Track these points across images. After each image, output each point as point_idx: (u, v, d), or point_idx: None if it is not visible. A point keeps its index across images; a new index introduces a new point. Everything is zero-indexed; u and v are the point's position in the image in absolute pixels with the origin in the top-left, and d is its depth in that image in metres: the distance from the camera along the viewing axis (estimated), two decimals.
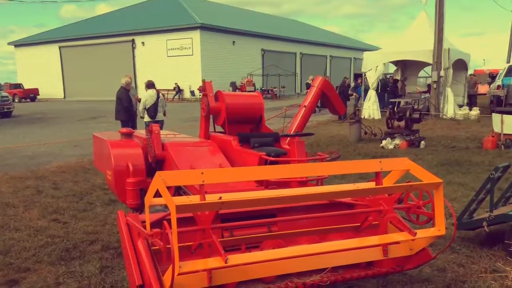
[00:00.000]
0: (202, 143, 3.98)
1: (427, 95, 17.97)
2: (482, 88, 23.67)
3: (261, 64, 36.89)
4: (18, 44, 42.06)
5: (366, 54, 17.60)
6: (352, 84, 20.06)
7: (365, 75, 17.29)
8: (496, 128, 9.11)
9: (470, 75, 21.16)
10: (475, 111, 15.67)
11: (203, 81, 4.25)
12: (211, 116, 4.24)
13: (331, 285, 2.74)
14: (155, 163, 3.70)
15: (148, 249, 2.35)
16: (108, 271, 3.59)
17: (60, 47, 39.07)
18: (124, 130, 4.07)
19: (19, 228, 4.69)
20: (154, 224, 2.35)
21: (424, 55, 16.05)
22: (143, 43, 34.73)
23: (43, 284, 3.37)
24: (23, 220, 4.99)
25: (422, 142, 9.93)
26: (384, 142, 9.98)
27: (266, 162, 3.44)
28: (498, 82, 17.75)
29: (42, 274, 3.57)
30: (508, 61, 23.88)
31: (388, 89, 18.51)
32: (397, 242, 2.76)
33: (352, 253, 2.69)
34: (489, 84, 23.31)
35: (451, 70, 16.09)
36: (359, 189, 2.76)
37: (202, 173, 2.42)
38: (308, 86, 16.43)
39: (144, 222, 2.36)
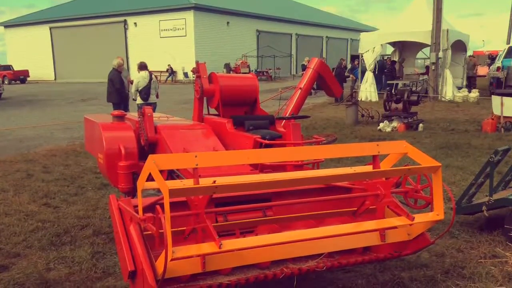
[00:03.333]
0: (196, 126, 3.88)
1: (425, 77, 17.86)
2: (482, 70, 23.55)
3: (255, 45, 36.43)
4: (8, 25, 41.16)
5: (363, 35, 17.35)
6: (349, 66, 19.86)
7: (362, 56, 17.10)
8: (496, 111, 9.05)
9: (469, 56, 21.01)
10: (474, 93, 15.59)
11: (197, 62, 4.13)
12: (204, 98, 4.12)
13: (327, 270, 2.69)
14: (148, 146, 3.61)
15: (140, 234, 2.29)
16: (99, 257, 3.53)
17: (50, 28, 38.27)
18: (116, 112, 3.97)
19: (9, 213, 4.60)
20: (146, 209, 2.29)
21: (422, 36, 15.86)
22: (135, 23, 34.07)
23: (34, 270, 3.30)
24: (13, 204, 4.89)
25: (420, 125, 9.87)
26: (381, 125, 9.91)
27: (261, 145, 3.36)
28: (498, 63, 17.64)
29: (33, 259, 3.50)
30: (508, 42, 23.72)
31: (386, 71, 18.36)
32: (395, 227, 2.71)
33: (349, 238, 2.64)
34: (489, 65, 23.21)
35: (449, 52, 15.94)
36: (356, 172, 2.67)
37: (196, 156, 2.34)
38: (304, 67, 16.24)
39: (136, 206, 2.29)
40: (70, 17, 36.89)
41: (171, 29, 32.53)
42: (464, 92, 16.05)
